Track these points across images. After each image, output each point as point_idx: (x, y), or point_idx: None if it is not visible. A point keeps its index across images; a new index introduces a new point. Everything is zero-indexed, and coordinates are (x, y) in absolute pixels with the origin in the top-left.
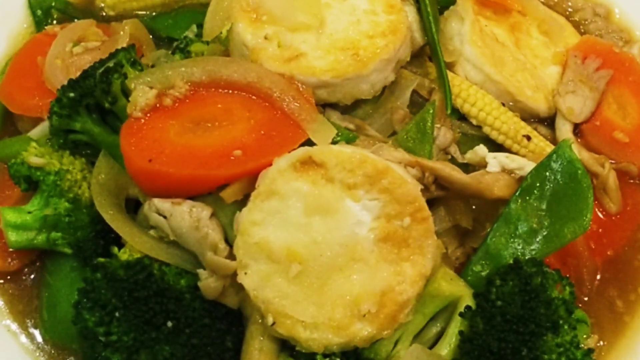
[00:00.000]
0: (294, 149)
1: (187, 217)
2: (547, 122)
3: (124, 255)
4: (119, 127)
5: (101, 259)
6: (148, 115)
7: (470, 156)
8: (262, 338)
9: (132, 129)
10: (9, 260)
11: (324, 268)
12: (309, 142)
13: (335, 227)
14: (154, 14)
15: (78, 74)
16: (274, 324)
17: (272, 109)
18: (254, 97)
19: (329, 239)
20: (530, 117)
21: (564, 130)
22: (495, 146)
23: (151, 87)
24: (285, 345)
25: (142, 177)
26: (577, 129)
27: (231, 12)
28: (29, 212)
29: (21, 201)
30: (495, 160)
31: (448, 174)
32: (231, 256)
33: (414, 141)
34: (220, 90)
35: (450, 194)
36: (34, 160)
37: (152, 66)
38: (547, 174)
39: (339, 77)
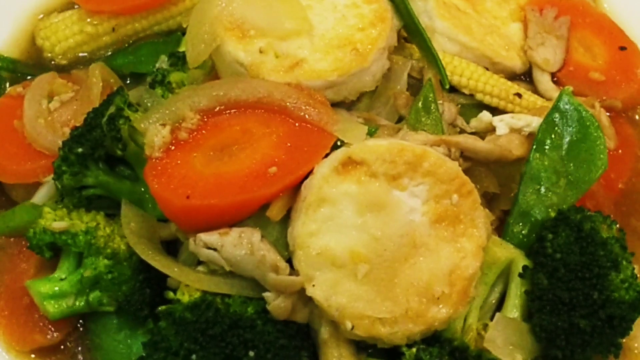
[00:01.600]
0: (327, 154)
1: (238, 244)
2: (524, 78)
3: (183, 297)
4: (130, 173)
5: (162, 307)
6: (168, 153)
7: (475, 124)
8: (338, 346)
9: (157, 170)
10: (50, 333)
11: (389, 262)
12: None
13: (390, 220)
14: (108, 53)
15: (65, 129)
16: (353, 327)
17: (291, 120)
18: (268, 112)
19: (388, 232)
20: (507, 76)
21: (544, 82)
22: (490, 110)
23: (163, 125)
24: (359, 345)
25: (182, 215)
26: (554, 78)
27: (215, 34)
28: (62, 279)
29: (42, 271)
30: (502, 123)
31: (472, 145)
32: (292, 272)
33: (425, 121)
34: (232, 113)
35: (474, 163)
36: (57, 225)
37: (139, 105)
38: (557, 124)
39: (344, 74)
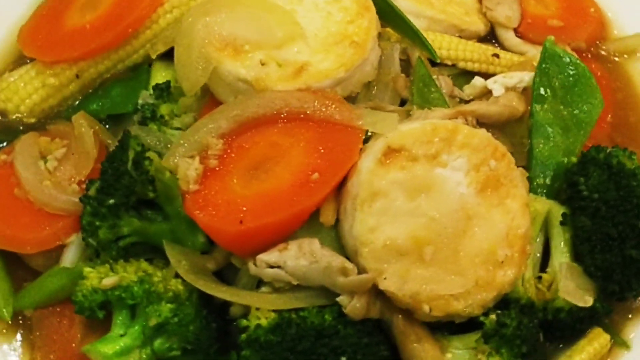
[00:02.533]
0: (361, 149)
1: (301, 256)
2: (489, 38)
3: (260, 321)
4: (159, 212)
5: (243, 335)
6: (204, 184)
7: (470, 91)
8: (415, 332)
9: (200, 202)
10: None
11: (450, 239)
12: None
13: (441, 198)
14: (77, 102)
15: (74, 185)
16: (430, 310)
17: (314, 124)
18: (289, 122)
19: (442, 210)
20: (475, 40)
21: (510, 38)
22: (473, 76)
23: (192, 157)
24: (432, 326)
25: (238, 241)
26: (516, 34)
27: (208, 57)
28: (122, 335)
29: (89, 333)
30: (497, 84)
31: (485, 110)
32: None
33: (430, 98)
34: (254, 130)
35: (487, 127)
36: (107, 281)
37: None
38: (549, 73)
39: (349, 69)
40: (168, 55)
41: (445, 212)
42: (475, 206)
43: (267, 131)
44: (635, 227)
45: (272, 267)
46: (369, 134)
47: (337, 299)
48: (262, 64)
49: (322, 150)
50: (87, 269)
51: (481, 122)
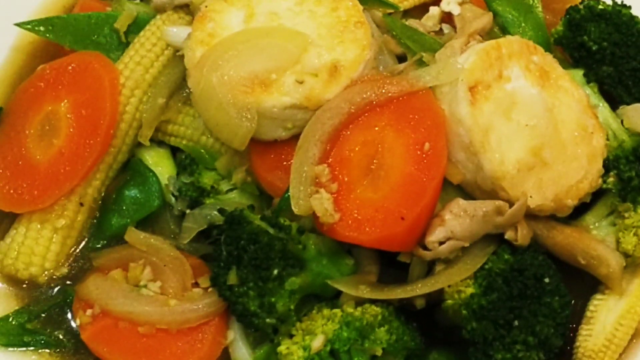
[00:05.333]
0: (440, 106)
1: (459, 218)
2: None
3: (463, 295)
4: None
5: (464, 312)
6: (341, 209)
7: (432, 22)
8: (560, 230)
9: (352, 226)
10: None
11: (553, 135)
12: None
13: (526, 107)
14: (92, 227)
15: (194, 290)
16: (570, 201)
17: (386, 107)
18: (363, 117)
19: (533, 115)
20: None
21: None
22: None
23: (315, 191)
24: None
25: (407, 237)
26: None
27: (243, 107)
28: None
29: None
30: (451, 4)
31: (480, 24)
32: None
33: (426, 41)
34: (340, 140)
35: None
36: (317, 343)
37: None
38: None
39: (369, 47)
40: None
41: (536, 115)
42: (548, 98)
43: (352, 136)
44: None
45: (441, 243)
46: None
47: (506, 237)
48: (300, 83)
49: (412, 124)
50: (282, 348)
51: (481, 36)
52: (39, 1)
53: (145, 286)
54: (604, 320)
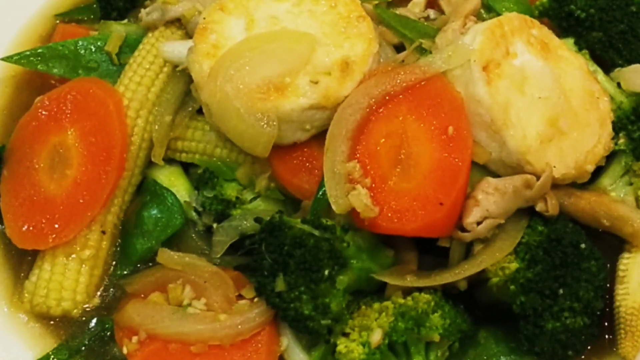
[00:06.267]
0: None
1: (492, 197)
2: None
3: (508, 272)
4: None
5: (512, 287)
6: (378, 202)
7: (418, 8)
8: (580, 195)
9: (391, 218)
10: None
11: (564, 104)
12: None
13: (536, 80)
14: (117, 254)
15: (240, 302)
16: (589, 167)
17: (402, 97)
18: (383, 109)
19: (544, 88)
20: None
21: None
22: None
23: (352, 188)
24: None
25: (447, 221)
26: None
27: (264, 112)
28: None
29: None
30: None
31: (474, 5)
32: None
33: (419, 29)
34: (364, 135)
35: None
36: (376, 337)
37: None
38: None
39: (375, 39)
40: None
41: (547, 87)
42: (554, 69)
43: (376, 129)
44: None
45: (479, 223)
46: None
47: (537, 209)
48: (315, 83)
49: (431, 110)
50: (340, 347)
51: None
52: (15, 33)
53: (189, 305)
54: (637, 276)
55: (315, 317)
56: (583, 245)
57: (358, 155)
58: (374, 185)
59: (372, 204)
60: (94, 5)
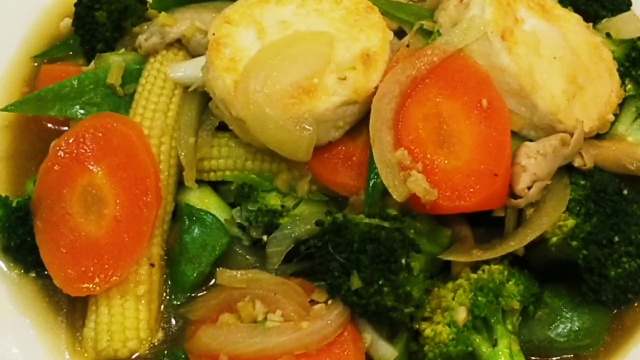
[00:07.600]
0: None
1: (534, 159)
2: None
3: (563, 235)
4: None
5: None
6: (432, 178)
7: None
8: (600, 145)
9: (451, 196)
10: None
11: (578, 61)
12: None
13: (548, 42)
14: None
15: (316, 307)
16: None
17: (431, 78)
18: (415, 94)
19: (557, 48)
20: None
21: None
22: None
23: (408, 176)
24: None
25: (502, 192)
26: None
27: (300, 117)
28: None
29: None
30: None
31: None
32: None
33: (418, 13)
34: (404, 121)
35: None
36: (461, 316)
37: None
38: None
39: (387, 26)
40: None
41: (559, 46)
42: (560, 28)
43: (412, 114)
44: None
45: (529, 187)
46: None
47: (575, 165)
48: (343, 79)
49: (459, 87)
50: (427, 332)
51: None
52: None
53: (265, 319)
54: None
55: (398, 307)
56: (625, 191)
57: (403, 142)
58: (426, 168)
59: (430, 187)
60: (70, 41)
